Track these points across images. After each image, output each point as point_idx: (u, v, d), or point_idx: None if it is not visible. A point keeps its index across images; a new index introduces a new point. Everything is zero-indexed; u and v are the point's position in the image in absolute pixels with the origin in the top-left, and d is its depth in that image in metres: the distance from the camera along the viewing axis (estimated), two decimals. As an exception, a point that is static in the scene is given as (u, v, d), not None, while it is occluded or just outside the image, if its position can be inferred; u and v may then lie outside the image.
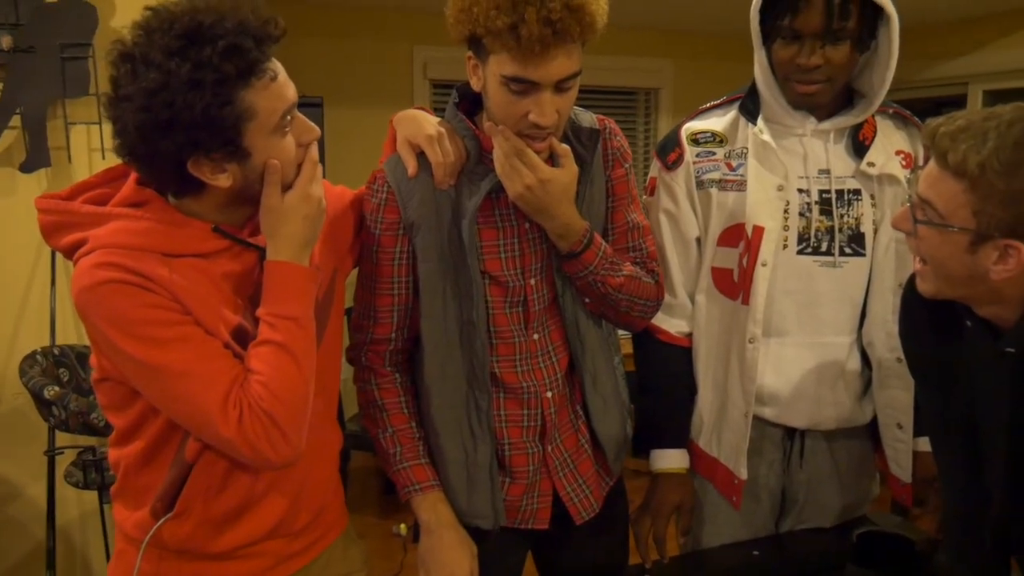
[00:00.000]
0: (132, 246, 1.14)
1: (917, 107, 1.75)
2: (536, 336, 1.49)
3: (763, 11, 1.55)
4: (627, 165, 1.55)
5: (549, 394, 1.50)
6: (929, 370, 1.38)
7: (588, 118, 1.52)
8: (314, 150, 1.24)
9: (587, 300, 1.51)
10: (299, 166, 1.21)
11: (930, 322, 1.32)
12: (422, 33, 4.45)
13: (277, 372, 1.17)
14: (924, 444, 1.62)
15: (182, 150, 1.11)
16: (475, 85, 1.38)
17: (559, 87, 1.31)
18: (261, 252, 1.23)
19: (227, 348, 1.18)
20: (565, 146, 1.40)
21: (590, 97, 4.80)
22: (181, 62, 1.06)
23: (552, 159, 1.40)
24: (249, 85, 1.11)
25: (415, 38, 4.50)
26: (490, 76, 1.32)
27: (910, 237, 1.22)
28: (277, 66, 1.16)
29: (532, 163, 1.35)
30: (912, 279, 1.33)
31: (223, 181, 1.15)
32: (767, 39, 1.56)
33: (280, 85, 1.15)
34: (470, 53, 1.36)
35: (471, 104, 1.48)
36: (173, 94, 1.06)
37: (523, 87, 1.29)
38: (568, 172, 1.38)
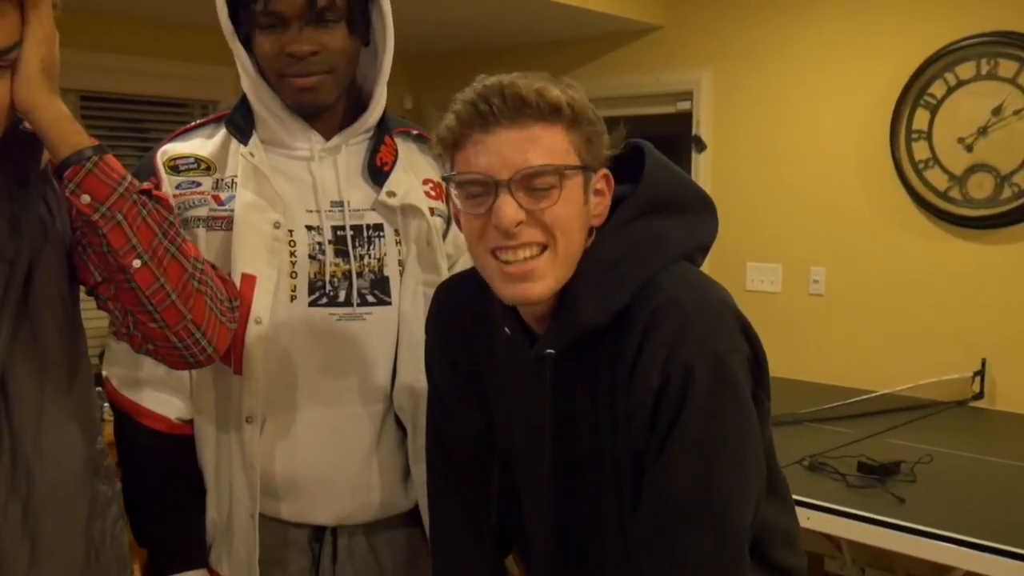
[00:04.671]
0: None
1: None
2: None
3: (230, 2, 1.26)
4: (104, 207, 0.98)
5: None
6: (459, 394, 1.24)
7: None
8: None
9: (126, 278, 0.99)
10: None
11: (467, 336, 1.20)
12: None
13: None
14: None
15: None
16: None
17: None
18: None
19: None
20: None
21: (135, 109, 4.36)
22: None
23: None
24: None
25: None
26: None
27: (527, 227, 1.00)
28: None
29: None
30: (440, 287, 1.26)
31: None
32: (246, 36, 1.27)
33: None
34: None
35: None
36: None
37: None
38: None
